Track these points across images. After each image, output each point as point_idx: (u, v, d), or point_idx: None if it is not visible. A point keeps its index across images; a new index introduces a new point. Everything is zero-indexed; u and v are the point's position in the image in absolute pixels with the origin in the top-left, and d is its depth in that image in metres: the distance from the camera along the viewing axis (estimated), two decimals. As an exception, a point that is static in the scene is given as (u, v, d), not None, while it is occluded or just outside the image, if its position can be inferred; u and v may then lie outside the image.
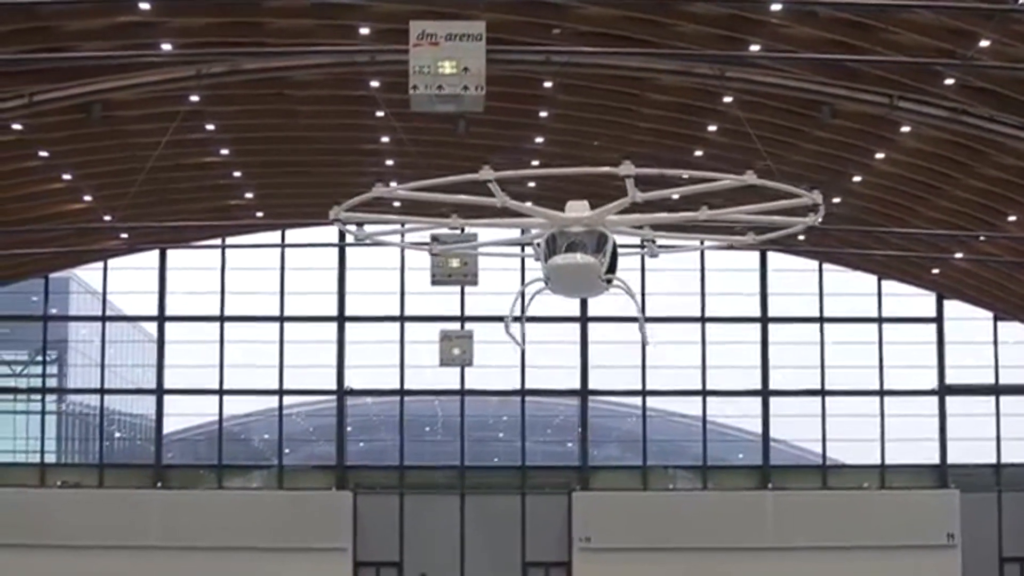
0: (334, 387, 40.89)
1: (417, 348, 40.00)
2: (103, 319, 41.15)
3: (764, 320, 41.16)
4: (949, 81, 25.46)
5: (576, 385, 41.03)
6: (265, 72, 27.01)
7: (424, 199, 18.85)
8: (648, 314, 39.99)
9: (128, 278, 40.75)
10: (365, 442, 42.63)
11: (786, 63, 25.84)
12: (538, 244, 17.98)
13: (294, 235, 40.01)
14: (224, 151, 32.64)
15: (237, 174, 34.75)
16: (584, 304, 40.02)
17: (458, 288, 37.87)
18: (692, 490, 40.99)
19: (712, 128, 30.29)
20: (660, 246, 20.34)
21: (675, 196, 19.32)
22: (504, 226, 19.19)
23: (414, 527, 39.51)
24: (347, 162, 34.56)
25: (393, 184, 21.01)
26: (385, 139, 31.91)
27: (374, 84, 27.41)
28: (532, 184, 33.35)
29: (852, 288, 41.12)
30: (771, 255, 40.78)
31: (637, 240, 20.24)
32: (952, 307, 41.21)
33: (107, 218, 34.15)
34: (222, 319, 40.57)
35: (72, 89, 26.49)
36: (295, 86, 28.64)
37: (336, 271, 40.85)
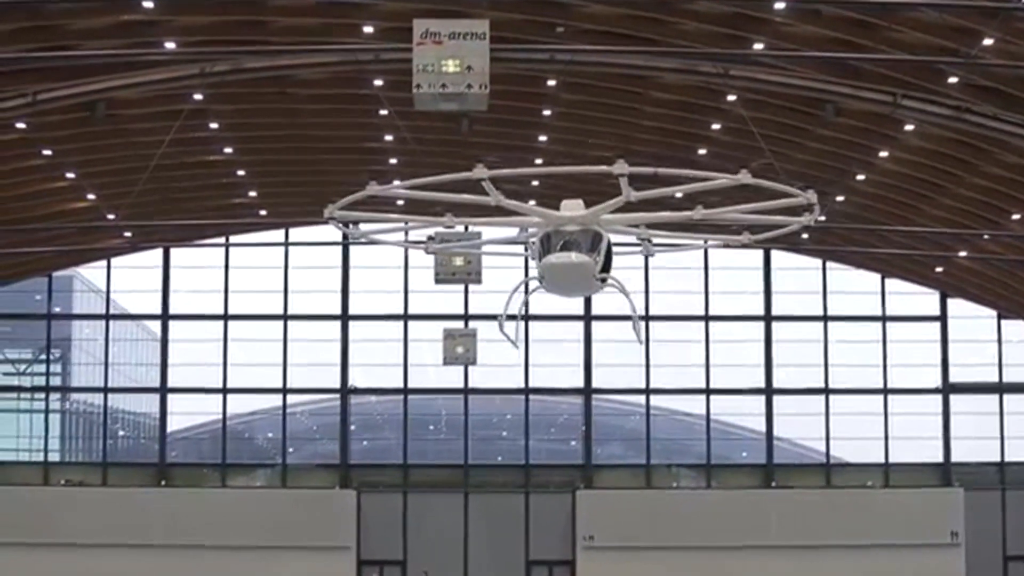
0: (338, 385, 40.91)
1: (421, 347, 40.06)
2: (107, 318, 41.15)
3: (768, 318, 41.16)
4: (953, 79, 25.44)
5: (580, 383, 41.04)
6: (269, 71, 27.02)
7: (423, 198, 18.86)
8: (652, 312, 40.21)
9: (132, 277, 40.78)
10: (369, 440, 42.63)
11: (790, 61, 25.83)
12: (533, 243, 17.97)
13: (298, 234, 40.05)
14: (228, 149, 32.65)
15: (241, 173, 34.77)
16: (588, 303, 40.03)
17: (462, 287, 37.93)
18: (696, 489, 40.98)
19: (715, 127, 30.28)
20: (656, 245, 20.31)
21: (678, 195, 19.34)
22: (499, 225, 19.20)
23: (418, 526, 39.51)
24: (351, 161, 34.56)
25: (396, 182, 20.97)
26: (388, 138, 31.93)
27: (378, 83, 27.42)
28: (536, 183, 33.38)
29: (856, 286, 41.12)
30: (775, 253, 40.76)
31: (633, 239, 20.22)
32: (956, 305, 41.21)
33: (111, 217, 34.14)
34: (226, 318, 40.59)
35: (76, 88, 26.51)
36: (299, 85, 28.64)
37: (340, 270, 40.87)
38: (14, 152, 30.38)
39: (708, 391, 40.88)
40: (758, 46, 24.59)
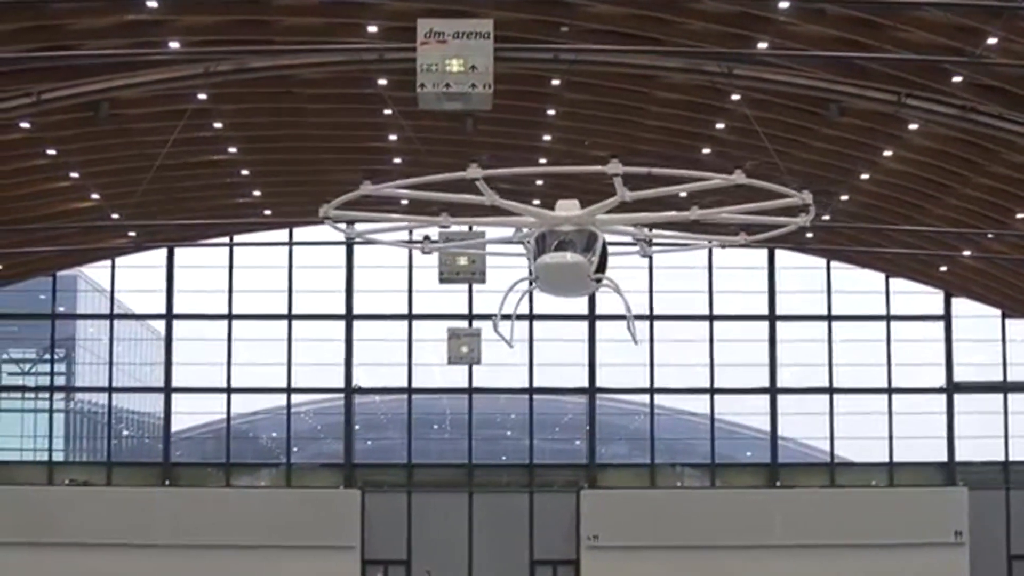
0: (342, 385, 40.91)
1: (425, 346, 40.06)
2: (111, 317, 41.18)
3: (772, 318, 41.14)
4: (957, 79, 25.42)
5: (584, 383, 41.02)
6: (273, 70, 27.00)
7: (422, 198, 18.84)
8: (656, 312, 40.20)
9: (136, 276, 40.80)
10: (373, 440, 42.62)
11: (794, 61, 25.80)
12: (528, 243, 17.95)
13: (301, 233, 40.02)
14: (232, 149, 32.64)
15: (245, 172, 34.76)
16: (592, 302, 40.01)
17: (466, 286, 37.95)
18: (700, 488, 40.98)
19: (720, 126, 30.26)
20: (652, 245, 20.30)
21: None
22: (494, 225, 19.17)
23: (422, 525, 39.51)
24: (354, 160, 34.52)
25: (389, 182, 20.93)
26: (392, 137, 31.91)
27: (382, 82, 27.40)
28: (540, 182, 33.37)
29: (860, 286, 41.10)
30: (779, 253, 40.73)
31: (629, 239, 20.21)
32: (960, 305, 41.18)
33: (115, 216, 34.14)
34: (230, 317, 40.60)
35: (79, 87, 26.50)
36: (303, 84, 28.64)
37: (344, 269, 40.87)
38: (18, 152, 30.40)
39: (712, 391, 40.86)
40: (763, 45, 24.56)
